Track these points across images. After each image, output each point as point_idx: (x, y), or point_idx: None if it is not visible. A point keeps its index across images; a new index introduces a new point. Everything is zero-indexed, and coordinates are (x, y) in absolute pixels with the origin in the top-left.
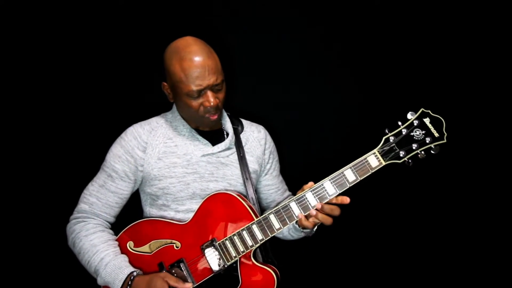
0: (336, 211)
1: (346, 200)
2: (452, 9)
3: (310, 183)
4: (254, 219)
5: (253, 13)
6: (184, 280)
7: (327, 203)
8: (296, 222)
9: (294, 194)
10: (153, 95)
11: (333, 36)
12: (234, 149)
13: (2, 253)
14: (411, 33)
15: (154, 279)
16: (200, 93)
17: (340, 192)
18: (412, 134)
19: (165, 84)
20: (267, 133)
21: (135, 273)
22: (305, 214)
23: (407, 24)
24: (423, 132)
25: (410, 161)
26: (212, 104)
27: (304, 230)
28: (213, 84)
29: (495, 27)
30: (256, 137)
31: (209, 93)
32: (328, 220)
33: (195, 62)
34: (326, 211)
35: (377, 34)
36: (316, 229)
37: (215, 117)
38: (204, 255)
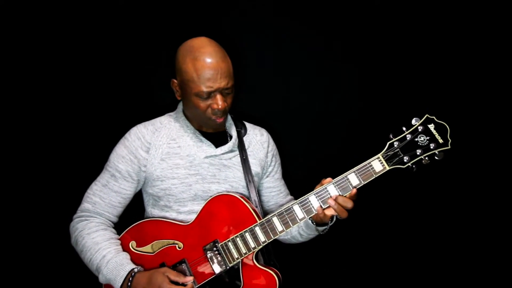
0: (349, 203)
1: (353, 191)
2: (457, 11)
3: (329, 179)
4: (257, 221)
5: (254, 14)
6: None
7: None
8: (310, 218)
9: (297, 197)
10: (157, 95)
11: (337, 39)
12: (237, 152)
13: (5, 252)
14: (417, 36)
15: (155, 274)
16: (210, 94)
17: (344, 196)
18: (416, 139)
19: (175, 81)
20: (269, 136)
21: (136, 270)
22: (325, 207)
23: (413, 26)
24: (428, 138)
25: (414, 166)
26: (220, 107)
27: (318, 228)
28: (224, 88)
29: (502, 31)
30: (259, 140)
31: (218, 96)
32: (344, 213)
33: (209, 63)
34: (340, 203)
35: (382, 37)
36: (327, 229)
37: (221, 120)
38: (206, 256)
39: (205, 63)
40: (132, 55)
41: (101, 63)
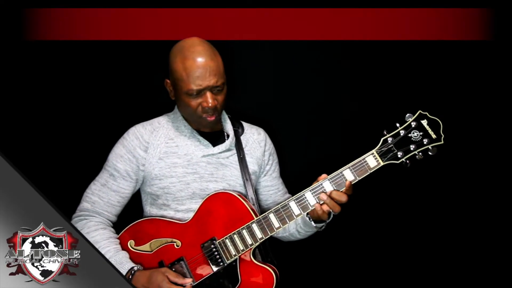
0: (343, 197)
1: (347, 183)
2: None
3: (324, 175)
4: (254, 219)
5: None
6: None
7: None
8: (307, 215)
9: (294, 194)
10: (155, 96)
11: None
12: (234, 151)
13: None
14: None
15: (155, 274)
16: (200, 93)
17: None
18: (410, 135)
19: (168, 81)
20: (267, 135)
21: (135, 268)
22: (320, 203)
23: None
24: (421, 133)
25: (407, 161)
26: (210, 105)
27: (316, 225)
28: (213, 86)
29: (495, 27)
30: (256, 139)
31: (208, 94)
32: (336, 208)
33: (197, 62)
34: (335, 197)
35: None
36: (325, 226)
37: (213, 118)
38: (204, 253)
39: (194, 61)
40: (131, 56)
41: (100, 63)
